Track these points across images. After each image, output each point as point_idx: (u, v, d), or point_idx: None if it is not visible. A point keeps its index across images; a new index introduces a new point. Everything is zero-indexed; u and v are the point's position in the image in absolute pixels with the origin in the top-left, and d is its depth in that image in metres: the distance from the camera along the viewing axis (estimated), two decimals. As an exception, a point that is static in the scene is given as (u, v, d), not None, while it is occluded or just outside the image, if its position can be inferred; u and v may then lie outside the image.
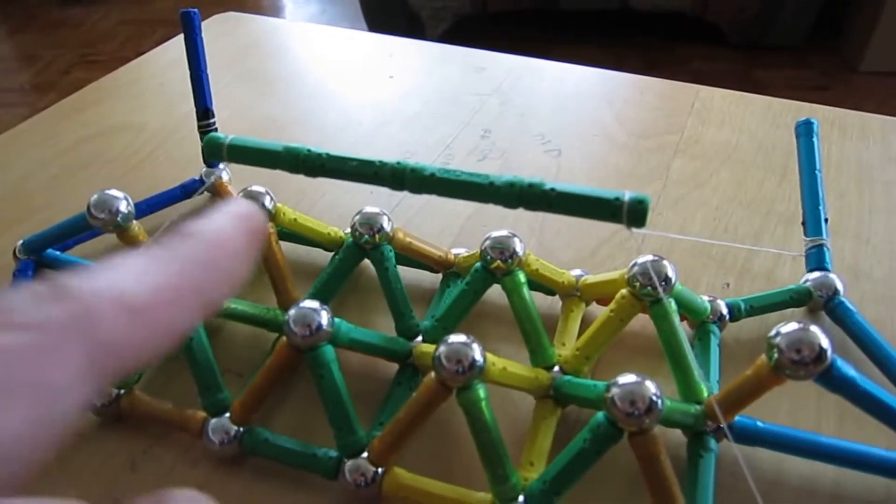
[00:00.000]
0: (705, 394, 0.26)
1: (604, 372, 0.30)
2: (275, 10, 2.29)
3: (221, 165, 0.43)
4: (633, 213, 0.20)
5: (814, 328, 0.22)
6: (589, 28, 1.83)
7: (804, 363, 0.21)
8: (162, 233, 0.09)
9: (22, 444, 0.09)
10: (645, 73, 0.54)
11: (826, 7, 1.66)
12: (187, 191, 0.42)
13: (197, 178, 0.42)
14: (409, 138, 0.47)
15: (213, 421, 0.27)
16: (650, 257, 0.27)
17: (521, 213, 0.40)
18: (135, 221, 0.32)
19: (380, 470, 0.25)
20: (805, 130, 0.35)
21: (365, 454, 0.25)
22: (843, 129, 0.45)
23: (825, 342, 0.21)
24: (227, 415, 0.27)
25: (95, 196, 0.31)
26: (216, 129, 0.41)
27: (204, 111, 0.41)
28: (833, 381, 0.22)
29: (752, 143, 0.44)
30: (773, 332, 0.22)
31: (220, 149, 0.27)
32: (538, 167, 0.43)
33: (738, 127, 0.45)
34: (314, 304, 0.26)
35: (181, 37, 0.38)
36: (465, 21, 1.86)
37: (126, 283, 0.10)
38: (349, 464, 0.25)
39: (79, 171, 0.46)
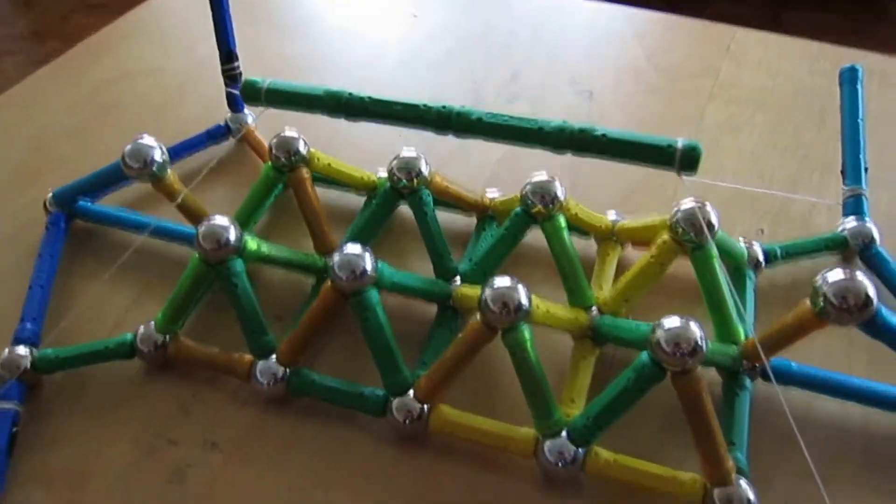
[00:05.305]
0: (742, 335, 0.27)
1: (637, 313, 0.30)
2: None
3: (246, 110, 0.42)
4: (686, 160, 0.20)
5: (860, 276, 0.22)
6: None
7: (849, 310, 0.22)
8: None
9: None
10: (666, 12, 0.53)
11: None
12: (213, 136, 0.42)
13: (222, 123, 0.42)
14: (436, 79, 0.46)
15: (261, 363, 0.28)
16: (692, 203, 0.26)
17: (552, 155, 0.39)
18: (170, 170, 0.32)
19: (426, 407, 0.26)
20: (849, 77, 0.34)
21: (411, 392, 0.26)
22: (883, 77, 0.43)
23: (871, 290, 0.22)
24: (274, 357, 0.28)
25: (129, 146, 0.31)
26: (240, 73, 0.41)
27: (227, 54, 0.40)
28: (877, 327, 0.22)
29: (790, 88, 0.43)
30: (818, 279, 0.22)
31: (259, 92, 0.27)
32: (569, 108, 0.42)
33: (775, 71, 0.44)
34: (357, 248, 0.26)
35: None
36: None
37: None
38: (396, 402, 0.26)
39: (102, 118, 0.45)
